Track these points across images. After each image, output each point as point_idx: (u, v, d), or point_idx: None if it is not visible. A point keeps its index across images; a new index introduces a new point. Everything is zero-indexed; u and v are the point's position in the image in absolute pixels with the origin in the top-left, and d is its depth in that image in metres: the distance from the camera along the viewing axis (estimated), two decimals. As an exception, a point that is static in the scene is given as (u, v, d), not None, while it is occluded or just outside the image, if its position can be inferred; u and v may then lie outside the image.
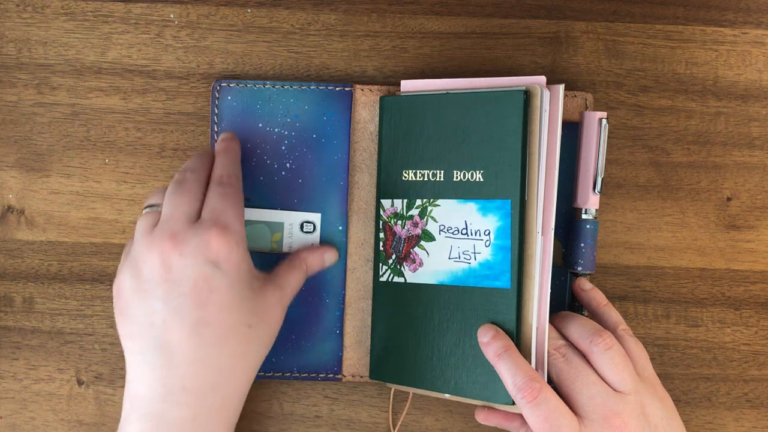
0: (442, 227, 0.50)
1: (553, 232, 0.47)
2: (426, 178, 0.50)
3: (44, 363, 0.55)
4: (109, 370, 0.55)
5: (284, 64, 0.55)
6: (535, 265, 0.47)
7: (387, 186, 0.52)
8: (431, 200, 0.50)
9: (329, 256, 0.53)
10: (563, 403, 0.45)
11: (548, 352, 0.47)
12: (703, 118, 0.55)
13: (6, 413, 0.55)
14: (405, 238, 0.51)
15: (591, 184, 0.51)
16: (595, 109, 0.55)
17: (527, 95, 0.47)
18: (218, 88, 0.53)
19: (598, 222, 0.52)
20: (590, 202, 0.51)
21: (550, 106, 0.47)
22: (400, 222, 0.51)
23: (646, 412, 0.46)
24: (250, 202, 0.53)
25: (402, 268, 0.51)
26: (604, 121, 0.51)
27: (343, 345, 0.54)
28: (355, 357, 0.54)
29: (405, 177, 0.51)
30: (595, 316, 0.51)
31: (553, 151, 0.47)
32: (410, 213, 0.51)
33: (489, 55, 0.55)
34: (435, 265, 0.50)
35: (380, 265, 0.52)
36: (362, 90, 0.53)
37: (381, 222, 0.52)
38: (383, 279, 0.52)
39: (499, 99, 0.48)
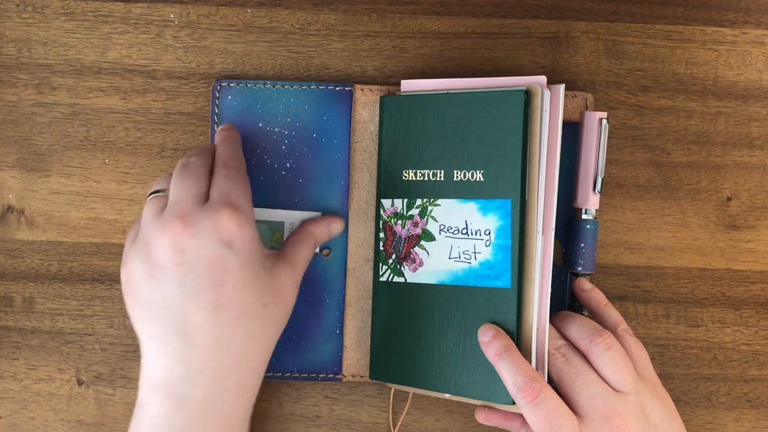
0: (442, 227, 0.50)
1: (553, 231, 0.47)
2: (426, 178, 0.50)
3: (44, 363, 0.55)
4: (109, 370, 0.55)
5: (284, 64, 0.55)
6: (535, 265, 0.47)
7: (387, 186, 0.52)
8: (431, 200, 0.50)
9: (335, 226, 0.52)
10: (563, 402, 0.45)
11: (548, 352, 0.47)
12: (703, 118, 0.55)
13: (6, 413, 0.55)
14: (405, 238, 0.51)
15: (591, 184, 0.51)
16: (595, 109, 0.55)
17: (528, 95, 0.47)
18: (218, 88, 0.53)
19: (598, 222, 0.52)
20: (590, 202, 0.51)
21: (551, 106, 0.47)
22: (400, 222, 0.51)
23: (646, 412, 0.46)
24: (250, 202, 0.53)
25: (402, 268, 0.51)
26: (605, 121, 0.51)
27: (343, 345, 0.54)
28: (355, 357, 0.54)
29: (405, 177, 0.51)
30: (595, 316, 0.51)
31: (553, 150, 0.47)
32: (410, 213, 0.51)
33: (489, 55, 0.55)
34: (435, 264, 0.50)
35: (380, 264, 0.52)
36: (362, 90, 0.53)
37: (381, 222, 0.52)
38: (383, 279, 0.52)
39: (499, 99, 0.48)
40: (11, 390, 0.55)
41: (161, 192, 0.47)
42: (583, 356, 0.47)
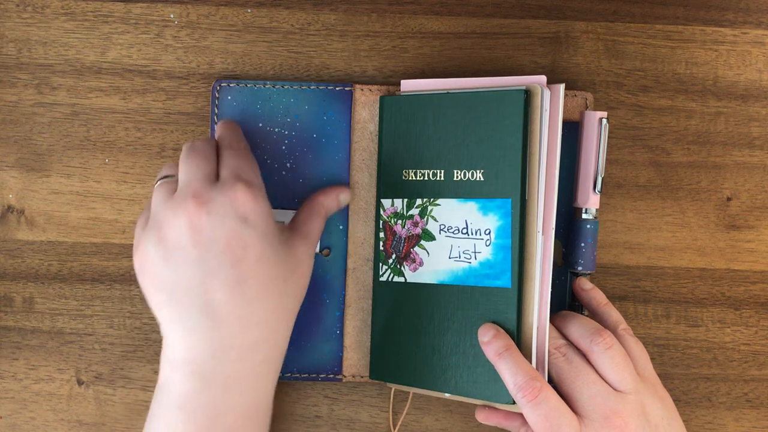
0: (442, 227, 0.50)
1: (553, 231, 0.47)
2: (426, 178, 0.50)
3: (44, 363, 0.55)
4: (109, 370, 0.55)
5: (284, 64, 0.55)
6: (535, 265, 0.47)
7: (387, 185, 0.52)
8: (431, 200, 0.50)
9: (344, 197, 0.52)
10: (563, 402, 0.45)
11: (549, 352, 0.47)
12: (703, 118, 0.56)
13: (6, 413, 0.55)
14: (405, 238, 0.51)
15: (591, 183, 0.51)
16: (596, 109, 0.55)
17: (528, 95, 0.47)
18: (218, 88, 0.53)
19: (598, 222, 0.52)
20: (590, 202, 0.51)
21: (551, 106, 0.47)
22: (400, 221, 0.51)
23: (647, 412, 0.46)
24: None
25: (402, 268, 0.51)
26: (605, 121, 0.51)
27: (343, 345, 0.54)
28: (355, 357, 0.54)
29: (405, 176, 0.51)
30: (596, 315, 0.51)
31: (553, 150, 0.47)
32: (410, 212, 0.51)
33: (489, 55, 0.55)
34: (435, 264, 0.50)
35: (380, 264, 0.52)
36: (362, 90, 0.53)
37: (381, 221, 0.52)
38: (383, 279, 0.52)
39: (499, 99, 0.48)
40: (11, 390, 0.55)
41: (169, 177, 0.46)
42: (584, 356, 0.47)
